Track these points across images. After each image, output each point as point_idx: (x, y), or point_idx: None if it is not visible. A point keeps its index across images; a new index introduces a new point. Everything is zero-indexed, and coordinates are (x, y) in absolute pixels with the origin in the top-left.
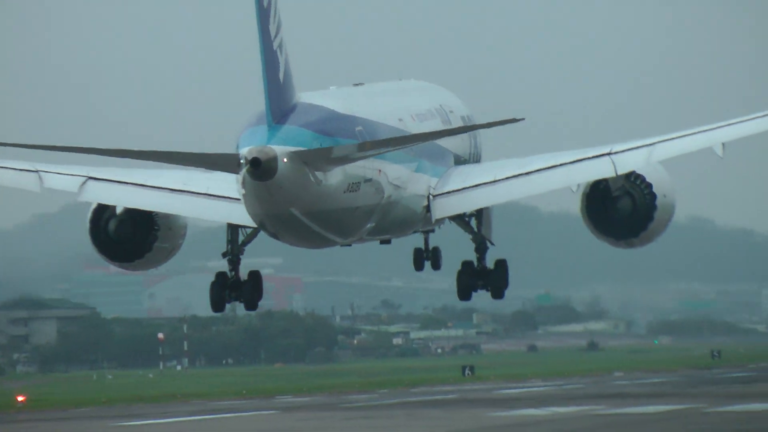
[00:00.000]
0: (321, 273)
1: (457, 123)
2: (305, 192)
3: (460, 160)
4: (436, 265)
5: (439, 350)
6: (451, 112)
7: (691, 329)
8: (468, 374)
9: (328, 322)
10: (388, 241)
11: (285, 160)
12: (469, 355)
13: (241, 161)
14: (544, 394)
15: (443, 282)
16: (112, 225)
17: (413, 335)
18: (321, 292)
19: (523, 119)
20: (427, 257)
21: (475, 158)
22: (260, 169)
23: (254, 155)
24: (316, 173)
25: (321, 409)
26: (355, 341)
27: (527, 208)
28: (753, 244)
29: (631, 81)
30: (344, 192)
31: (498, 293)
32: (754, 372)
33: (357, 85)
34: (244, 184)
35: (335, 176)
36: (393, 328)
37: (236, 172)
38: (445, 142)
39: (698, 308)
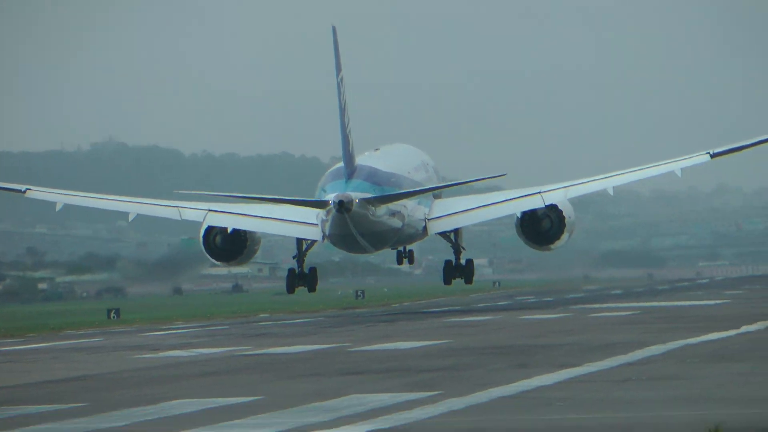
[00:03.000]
0: None
1: (430, 173)
2: (365, 221)
3: (436, 195)
4: (411, 260)
5: (85, 294)
6: (427, 164)
7: (335, 270)
8: (113, 317)
9: None
10: (403, 251)
11: (356, 201)
12: (114, 299)
13: (331, 203)
14: (189, 335)
15: (87, 229)
16: (218, 239)
17: (59, 279)
18: None
19: (505, 174)
20: (405, 255)
21: (437, 194)
22: (343, 207)
23: (340, 199)
24: (372, 208)
25: None
26: (0, 286)
27: None
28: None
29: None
30: (386, 220)
31: (469, 281)
32: (397, 312)
33: (377, 150)
34: (328, 215)
35: (381, 210)
36: (38, 274)
37: (319, 208)
38: (428, 184)
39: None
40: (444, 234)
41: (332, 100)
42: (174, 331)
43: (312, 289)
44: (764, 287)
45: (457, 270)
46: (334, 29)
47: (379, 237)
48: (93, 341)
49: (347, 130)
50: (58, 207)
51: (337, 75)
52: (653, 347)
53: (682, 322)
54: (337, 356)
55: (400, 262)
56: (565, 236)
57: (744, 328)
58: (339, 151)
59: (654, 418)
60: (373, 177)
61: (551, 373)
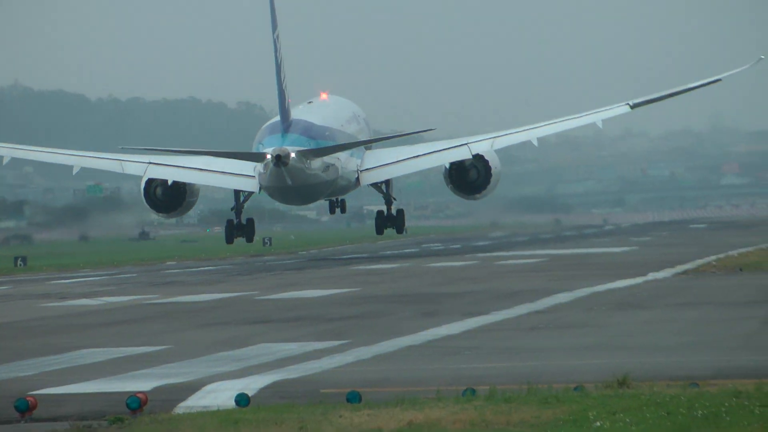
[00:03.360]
0: None
1: (362, 125)
2: (302, 174)
3: (367, 147)
4: (343, 210)
5: None
6: (359, 116)
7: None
8: (20, 265)
9: None
10: (336, 201)
11: (293, 155)
12: (21, 246)
13: (268, 156)
14: (96, 282)
15: None
16: (159, 191)
17: None
18: None
19: (434, 129)
20: (337, 205)
21: (368, 146)
22: (280, 161)
23: (277, 153)
24: (308, 162)
25: None
26: None
27: None
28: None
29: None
30: (321, 173)
31: (400, 230)
32: (304, 259)
33: (310, 102)
34: (266, 168)
35: (316, 163)
36: None
37: (257, 161)
38: (360, 136)
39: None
40: (375, 185)
41: (241, 42)
42: (81, 279)
43: (250, 239)
44: (670, 233)
45: (389, 220)
46: None
47: (314, 189)
48: None
49: (283, 86)
50: (5, 161)
51: (273, 32)
52: (560, 295)
53: (589, 269)
54: (244, 305)
55: (332, 211)
56: (491, 185)
57: (651, 276)
58: (245, 96)
59: (562, 367)
60: (309, 131)
61: (459, 321)
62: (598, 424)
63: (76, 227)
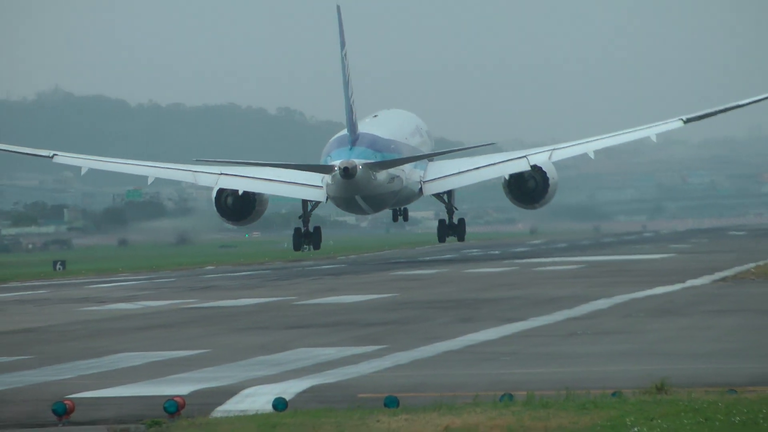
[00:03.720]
0: None
1: (425, 137)
2: (368, 185)
3: (429, 159)
4: (405, 218)
5: (31, 246)
6: (421, 128)
7: (280, 222)
8: (59, 269)
9: None
10: (399, 210)
11: (360, 167)
12: (60, 251)
13: (336, 168)
14: (135, 287)
15: (32, 179)
16: (229, 200)
17: (4, 232)
18: None
19: (495, 143)
20: (400, 213)
21: (431, 157)
22: (348, 173)
23: (345, 165)
24: (374, 174)
25: None
26: None
27: None
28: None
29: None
30: (386, 184)
31: (461, 238)
32: (343, 264)
33: (375, 116)
34: (334, 180)
35: (382, 175)
36: None
37: (325, 173)
38: (423, 148)
39: (286, 201)
40: (438, 195)
41: (280, 49)
42: (120, 284)
43: (317, 246)
44: (709, 241)
45: (450, 228)
46: (338, 8)
47: (379, 199)
48: (38, 293)
49: (351, 101)
50: (83, 171)
51: (342, 50)
52: (599, 301)
53: (627, 276)
54: (282, 309)
55: (395, 219)
56: (549, 195)
57: (689, 282)
58: (285, 103)
59: (600, 373)
60: (375, 144)
61: (497, 327)
62: (636, 429)
63: (115, 232)
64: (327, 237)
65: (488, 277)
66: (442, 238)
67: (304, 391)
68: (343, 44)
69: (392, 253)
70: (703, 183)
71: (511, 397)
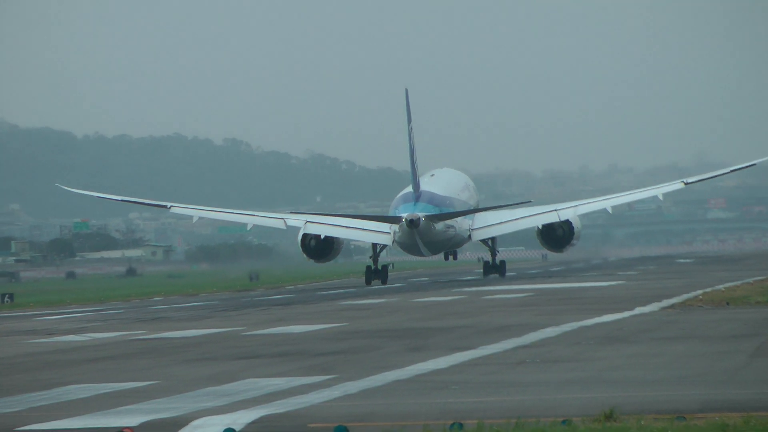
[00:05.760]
0: None
1: (472, 192)
2: (429, 233)
3: (476, 208)
4: (455, 258)
5: None
6: (469, 185)
7: (227, 254)
8: (7, 301)
9: None
10: (449, 252)
11: (422, 219)
12: (8, 283)
13: (403, 220)
14: (83, 318)
15: None
16: (312, 242)
17: None
18: None
19: (531, 202)
20: (450, 253)
21: (476, 206)
22: (413, 224)
23: (411, 218)
24: (433, 224)
25: None
26: None
27: None
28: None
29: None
30: (443, 232)
31: (503, 275)
32: (291, 294)
33: (432, 176)
34: (401, 229)
35: (440, 225)
36: None
37: (393, 223)
38: (470, 201)
39: (233, 232)
40: (484, 240)
41: (227, 79)
42: (68, 315)
43: (384, 281)
44: (657, 268)
45: (494, 268)
46: (407, 91)
47: (437, 245)
48: None
49: (415, 166)
50: (194, 220)
51: (408, 124)
52: (547, 329)
53: (576, 304)
54: (231, 340)
55: (446, 258)
56: (573, 241)
57: (638, 310)
58: (231, 134)
59: (549, 401)
60: (433, 200)
61: (446, 356)
62: None
63: (64, 265)
64: (275, 267)
65: (437, 306)
66: (486, 275)
67: (254, 422)
68: (409, 119)
69: (340, 282)
70: (650, 209)
71: (461, 426)
